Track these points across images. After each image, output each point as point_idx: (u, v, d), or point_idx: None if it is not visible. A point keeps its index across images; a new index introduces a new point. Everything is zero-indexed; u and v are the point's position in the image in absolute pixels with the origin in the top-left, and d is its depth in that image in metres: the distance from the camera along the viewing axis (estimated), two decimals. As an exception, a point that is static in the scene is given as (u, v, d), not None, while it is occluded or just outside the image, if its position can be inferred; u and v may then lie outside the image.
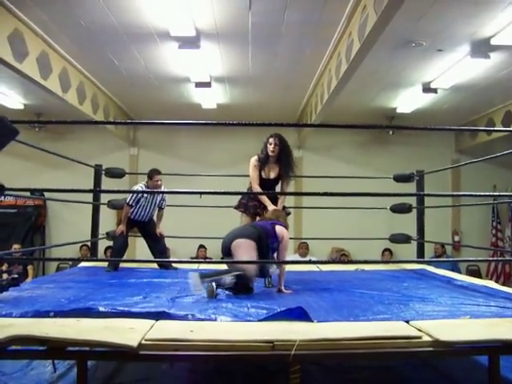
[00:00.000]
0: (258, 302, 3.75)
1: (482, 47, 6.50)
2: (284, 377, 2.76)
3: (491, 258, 10.30)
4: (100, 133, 10.67)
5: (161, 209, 6.43)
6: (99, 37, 6.66)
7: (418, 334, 2.86)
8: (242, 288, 4.15)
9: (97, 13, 5.91)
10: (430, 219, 7.00)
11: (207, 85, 8.42)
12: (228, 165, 10.34)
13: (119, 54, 7.35)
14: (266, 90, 9.00)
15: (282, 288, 4.36)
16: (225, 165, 10.50)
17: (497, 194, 8.54)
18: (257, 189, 5.05)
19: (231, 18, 6.05)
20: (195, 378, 3.80)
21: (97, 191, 6.68)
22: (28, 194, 10.18)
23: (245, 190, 5.29)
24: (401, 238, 6.94)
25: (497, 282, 8.51)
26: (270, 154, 5.05)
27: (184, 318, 3.22)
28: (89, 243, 7.63)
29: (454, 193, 10.27)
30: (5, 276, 8.08)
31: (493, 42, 6.31)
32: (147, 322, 3.02)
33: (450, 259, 10.23)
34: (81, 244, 9.68)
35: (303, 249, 10.42)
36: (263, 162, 5.10)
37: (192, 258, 9.94)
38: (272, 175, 5.14)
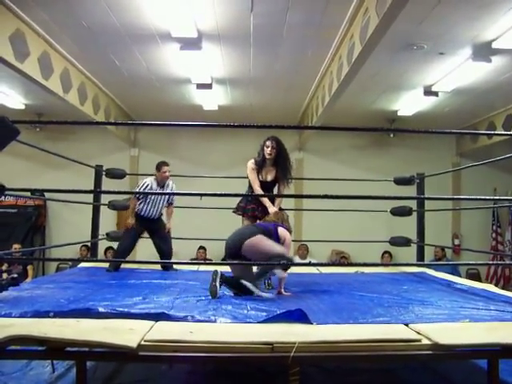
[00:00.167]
0: (257, 304, 3.75)
1: (484, 51, 6.51)
2: (283, 379, 2.76)
3: (491, 262, 10.31)
4: (101, 133, 10.67)
5: (170, 204, 6.43)
6: (101, 37, 6.67)
7: (417, 337, 2.86)
8: (243, 289, 4.17)
9: (98, 13, 5.92)
10: (430, 222, 7.00)
11: (208, 86, 8.43)
12: (229, 166, 10.34)
13: (121, 55, 7.35)
14: (268, 91, 9.01)
15: (282, 290, 4.36)
16: (225, 166, 10.49)
17: (497, 197, 8.53)
18: (258, 191, 5.05)
19: (233, 19, 6.06)
20: (194, 380, 3.79)
21: (97, 192, 6.68)
22: (28, 194, 10.18)
23: (244, 193, 5.30)
24: (401, 241, 6.93)
25: (496, 285, 8.49)
26: (267, 156, 5.05)
27: (183, 319, 3.22)
28: (89, 244, 7.63)
29: (455, 196, 10.24)
30: (4, 276, 8.10)
31: (494, 45, 6.31)
32: (147, 323, 3.02)
33: (450, 263, 10.22)
34: (81, 244, 9.68)
35: (303, 251, 10.43)
36: (260, 165, 5.11)
37: (192, 259, 9.94)
38: (269, 178, 5.15)
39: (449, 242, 11.26)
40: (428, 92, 8.50)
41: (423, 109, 9.56)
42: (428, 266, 6.72)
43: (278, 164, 5.12)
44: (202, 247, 10.30)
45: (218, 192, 4.08)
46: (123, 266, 6.08)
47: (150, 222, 6.27)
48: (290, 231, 4.67)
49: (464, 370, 3.91)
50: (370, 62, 6.25)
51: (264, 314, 3.39)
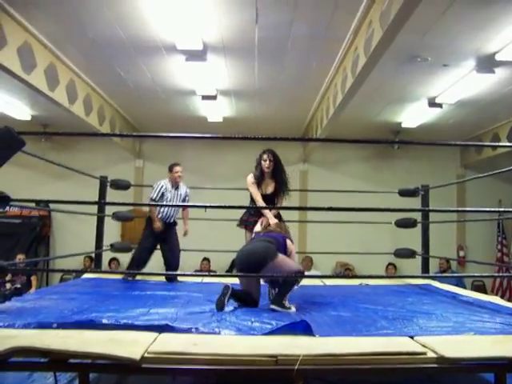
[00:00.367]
0: (261, 316, 3.73)
1: (487, 62, 6.53)
2: (287, 392, 2.73)
3: (496, 274, 10.22)
4: (106, 144, 10.71)
5: (185, 207, 6.46)
6: (106, 49, 6.71)
7: (422, 349, 2.84)
8: (247, 300, 4.18)
9: (104, 26, 5.97)
10: (435, 234, 6.96)
11: (213, 98, 8.46)
12: (233, 178, 10.30)
13: (126, 67, 7.40)
14: (272, 103, 9.03)
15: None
16: (230, 178, 10.47)
17: (502, 209, 8.49)
18: (261, 203, 5.06)
19: (238, 31, 6.09)
20: (198, 392, 3.77)
21: (102, 203, 6.68)
22: (33, 204, 10.20)
23: (248, 204, 5.31)
24: (405, 253, 6.90)
25: (502, 297, 8.43)
26: (266, 170, 5.08)
27: (187, 331, 3.21)
28: (93, 254, 7.62)
29: (459, 208, 10.20)
30: (8, 286, 8.10)
31: (498, 57, 6.34)
32: (150, 335, 3.01)
33: (455, 275, 10.16)
34: (85, 255, 9.68)
35: (307, 262, 10.38)
36: (259, 179, 5.13)
37: (196, 270, 9.92)
38: (269, 190, 5.17)
39: (454, 253, 11.21)
40: (432, 104, 8.52)
41: (427, 120, 9.56)
42: (433, 278, 6.67)
43: (276, 176, 5.15)
44: (205, 259, 10.29)
45: (223, 204, 4.08)
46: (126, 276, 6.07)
47: (165, 227, 6.26)
48: (292, 243, 4.70)
49: (470, 383, 3.87)
50: (375, 74, 6.27)
51: (268, 326, 3.37)
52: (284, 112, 9.49)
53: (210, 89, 8.12)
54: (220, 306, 3.99)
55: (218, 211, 6.11)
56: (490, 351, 2.83)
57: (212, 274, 9.29)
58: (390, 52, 5.60)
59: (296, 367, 2.60)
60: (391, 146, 11.15)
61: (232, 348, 2.80)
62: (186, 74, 7.42)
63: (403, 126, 10.04)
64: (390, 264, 10.31)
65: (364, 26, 5.69)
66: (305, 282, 5.99)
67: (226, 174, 10.83)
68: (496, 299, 5.01)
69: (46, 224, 11.15)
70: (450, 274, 9.82)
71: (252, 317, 3.69)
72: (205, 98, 8.50)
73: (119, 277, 6.20)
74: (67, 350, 2.62)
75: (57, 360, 2.68)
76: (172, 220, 6.35)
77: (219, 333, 3.21)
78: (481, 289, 10.17)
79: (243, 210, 5.37)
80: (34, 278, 9.96)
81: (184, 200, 6.40)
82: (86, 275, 6.44)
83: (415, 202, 6.97)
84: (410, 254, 6.79)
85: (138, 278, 6.14)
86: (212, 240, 8.81)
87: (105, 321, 3.32)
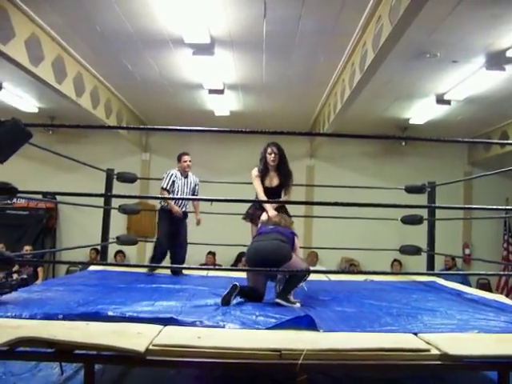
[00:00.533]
0: (266, 310, 3.74)
1: (498, 59, 6.48)
2: (291, 386, 2.74)
3: (502, 272, 10.18)
4: (113, 137, 10.73)
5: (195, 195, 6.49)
6: (114, 42, 6.72)
7: (426, 346, 2.83)
8: (253, 295, 4.19)
9: (112, 19, 5.97)
10: (441, 231, 6.95)
11: (220, 92, 8.45)
12: (240, 172, 10.27)
13: (133, 60, 7.40)
14: (279, 98, 9.02)
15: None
16: (236, 172, 10.46)
17: (509, 207, 8.46)
18: (263, 197, 5.08)
19: (246, 25, 6.08)
20: (202, 385, 3.79)
21: (108, 196, 6.70)
22: (40, 196, 10.25)
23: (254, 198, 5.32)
24: (411, 250, 6.89)
25: (507, 296, 8.41)
26: (271, 163, 5.08)
27: (192, 324, 3.22)
28: (99, 247, 7.66)
29: (466, 206, 10.18)
30: (15, 276, 8.16)
31: (508, 54, 6.28)
32: (155, 328, 3.02)
33: (460, 272, 10.14)
34: (91, 247, 9.72)
35: (312, 258, 10.39)
36: (264, 173, 5.13)
37: (201, 264, 9.94)
38: (275, 183, 5.18)
39: (459, 251, 11.17)
40: (440, 100, 8.47)
41: (435, 117, 9.52)
42: (438, 275, 6.67)
43: (281, 169, 5.15)
44: (210, 252, 10.31)
45: (229, 198, 4.09)
46: (131, 269, 6.09)
47: (176, 217, 6.25)
48: (297, 237, 4.72)
49: (474, 381, 3.87)
50: (383, 69, 6.25)
51: (273, 320, 3.38)
52: (291, 107, 9.47)
53: (218, 83, 8.12)
54: (225, 303, 3.99)
55: (224, 205, 6.14)
56: (494, 349, 2.83)
57: (218, 267, 9.32)
58: (398, 48, 5.58)
59: (300, 362, 2.61)
60: (398, 142, 11.11)
61: (236, 341, 2.81)
62: (194, 68, 7.42)
63: (411, 122, 10.01)
64: (395, 260, 10.30)
65: (373, 22, 5.66)
66: (310, 276, 6.00)
67: (233, 168, 10.81)
68: (501, 298, 5.00)
69: (52, 216, 11.22)
70: (455, 272, 9.80)
71: (256, 311, 3.71)
72: (212, 91, 8.49)
73: (125, 269, 6.23)
74: (73, 341, 2.64)
75: (62, 351, 2.70)
76: (185, 208, 6.37)
77: (224, 326, 3.22)
78: (486, 287, 10.14)
79: (249, 204, 5.38)
80: (40, 270, 10.04)
81: (194, 189, 6.43)
82: (92, 267, 6.47)
83: (422, 199, 6.95)
84: (416, 250, 6.79)
85: (134, 270, 6.14)
86: (217, 234, 8.82)
87: (110, 313, 3.34)
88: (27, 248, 9.14)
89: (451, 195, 9.67)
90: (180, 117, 10.13)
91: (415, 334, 3.13)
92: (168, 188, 6.24)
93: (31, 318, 3.20)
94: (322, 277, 6.26)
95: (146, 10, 5.71)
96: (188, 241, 6.55)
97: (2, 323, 3.01)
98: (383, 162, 11.48)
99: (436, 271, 7.31)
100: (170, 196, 6.21)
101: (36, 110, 9.81)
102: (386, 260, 10.16)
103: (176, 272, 6.08)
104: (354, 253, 10.20)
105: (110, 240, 6.88)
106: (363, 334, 3.15)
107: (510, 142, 9.78)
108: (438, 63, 6.85)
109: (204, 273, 6.31)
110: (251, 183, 5.33)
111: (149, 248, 6.62)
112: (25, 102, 9.32)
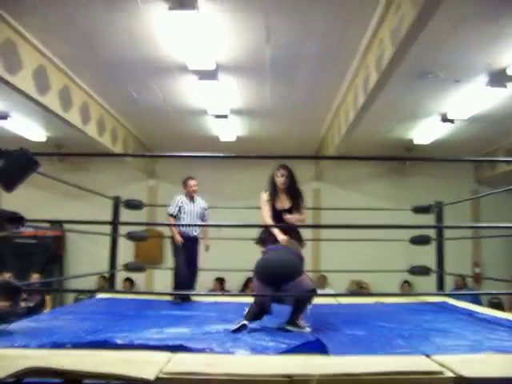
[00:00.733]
0: (276, 336, 3.70)
1: (499, 77, 6.51)
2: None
3: (513, 291, 10.07)
4: (119, 164, 10.79)
5: (203, 221, 6.48)
6: (119, 70, 6.80)
7: (440, 369, 2.79)
8: (261, 313, 4.12)
9: (117, 48, 6.06)
10: (450, 250, 6.90)
11: (225, 117, 8.51)
12: (247, 197, 10.27)
13: (138, 87, 7.48)
14: (285, 122, 9.06)
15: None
16: (243, 197, 10.45)
17: (518, 225, 8.39)
18: (269, 222, 5.03)
19: (249, 50, 6.15)
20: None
21: (115, 223, 6.71)
22: (47, 224, 10.28)
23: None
24: (420, 270, 6.84)
25: (520, 315, 8.29)
26: (282, 186, 5.01)
27: (202, 351, 3.19)
28: (107, 274, 7.63)
29: (474, 224, 10.11)
30: (23, 304, 8.12)
31: (509, 71, 6.32)
32: (164, 355, 2.99)
33: (471, 292, 10.03)
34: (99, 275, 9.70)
35: (321, 281, 10.32)
36: (274, 195, 5.09)
37: (209, 290, 9.89)
38: (286, 205, 5.13)
39: (469, 270, 11.07)
40: (444, 119, 8.49)
41: (440, 136, 9.53)
42: (449, 295, 6.60)
43: (292, 191, 5.11)
44: (219, 278, 10.26)
45: (236, 223, 4.08)
46: (139, 296, 6.06)
47: (188, 242, 6.24)
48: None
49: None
50: (386, 90, 6.28)
51: (283, 345, 3.35)
52: (296, 131, 9.51)
53: (222, 108, 8.17)
54: (237, 329, 3.95)
55: (232, 230, 6.13)
56: (509, 371, 2.78)
57: (226, 293, 9.27)
58: (401, 69, 5.62)
59: (312, 387, 2.57)
60: (404, 163, 11.11)
61: (247, 368, 2.77)
62: (198, 94, 7.48)
63: (416, 142, 10.01)
64: (405, 281, 10.21)
65: (375, 44, 5.72)
66: (319, 300, 5.96)
67: (239, 193, 10.80)
68: (514, 317, 4.93)
69: (59, 244, 11.23)
70: (466, 292, 9.70)
71: (266, 336, 3.67)
72: (217, 117, 8.55)
73: (134, 296, 6.19)
74: (81, 371, 2.62)
75: (71, 380, 2.67)
76: (194, 233, 6.34)
77: (234, 352, 3.19)
78: (498, 306, 10.00)
79: (258, 229, 5.34)
80: (48, 298, 10.00)
81: (203, 214, 6.44)
82: (100, 295, 6.45)
83: (429, 219, 6.92)
84: (425, 271, 6.73)
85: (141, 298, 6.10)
86: (225, 259, 8.78)
87: (119, 341, 3.31)
88: (35, 276, 9.12)
89: (459, 214, 9.60)
90: (185, 143, 10.18)
91: (428, 356, 3.08)
92: (175, 215, 6.25)
93: (39, 347, 3.18)
94: (332, 300, 6.20)
95: (151, 38, 5.80)
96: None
97: (9, 353, 2.99)
98: (389, 183, 11.47)
99: (446, 291, 7.22)
100: (177, 222, 6.21)
101: (44, 139, 9.90)
102: (396, 281, 10.08)
103: (184, 298, 6.04)
104: (363, 275, 10.13)
105: (118, 267, 6.86)
106: (375, 358, 3.11)
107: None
108: (441, 83, 6.89)
109: (213, 299, 6.27)
110: (259, 208, 5.30)
111: (157, 275, 6.59)
112: (33, 131, 9.43)
